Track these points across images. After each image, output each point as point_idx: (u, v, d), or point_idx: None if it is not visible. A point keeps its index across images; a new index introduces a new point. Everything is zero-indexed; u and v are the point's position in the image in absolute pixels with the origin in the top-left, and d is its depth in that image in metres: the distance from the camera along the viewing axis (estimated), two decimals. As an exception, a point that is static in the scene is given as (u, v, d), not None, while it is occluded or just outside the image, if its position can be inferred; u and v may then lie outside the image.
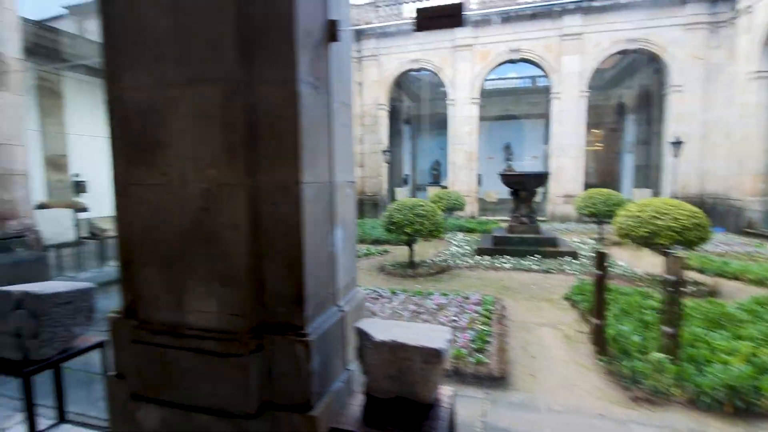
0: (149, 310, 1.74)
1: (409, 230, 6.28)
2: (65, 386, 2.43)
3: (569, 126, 13.90)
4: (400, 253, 7.93)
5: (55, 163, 10.58)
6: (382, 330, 1.63)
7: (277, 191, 1.60)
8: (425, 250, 8.11)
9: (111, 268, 6.85)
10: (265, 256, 1.64)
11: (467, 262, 7.25)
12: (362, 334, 1.62)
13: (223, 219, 1.59)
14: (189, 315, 1.67)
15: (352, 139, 2.13)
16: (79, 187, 10.34)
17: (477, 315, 4.41)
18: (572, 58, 13.73)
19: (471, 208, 14.64)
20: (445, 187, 15.68)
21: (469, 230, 11.06)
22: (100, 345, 2.28)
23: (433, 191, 14.56)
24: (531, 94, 21.09)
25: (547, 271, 6.59)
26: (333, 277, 1.88)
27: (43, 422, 2.39)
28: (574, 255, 7.24)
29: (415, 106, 21.68)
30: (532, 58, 14.41)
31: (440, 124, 22.49)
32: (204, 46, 1.55)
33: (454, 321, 4.24)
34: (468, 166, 14.94)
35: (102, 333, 2.10)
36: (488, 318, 4.35)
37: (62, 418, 2.46)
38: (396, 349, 1.50)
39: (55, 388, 2.38)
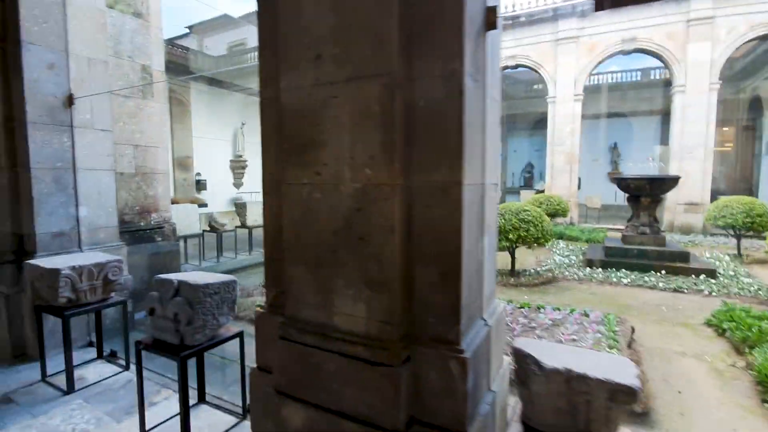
0: (296, 309, 1.75)
1: (512, 236, 5.89)
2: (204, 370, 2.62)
3: (695, 123, 12.08)
4: (499, 259, 7.52)
5: (182, 163, 12.00)
6: (548, 354, 1.43)
7: (433, 193, 1.49)
8: (525, 258, 7.59)
9: (226, 259, 7.53)
10: (416, 262, 1.54)
11: (575, 274, 6.60)
12: (525, 357, 1.43)
13: (377, 220, 1.52)
14: (336, 317, 1.64)
15: (499, 138, 1.95)
16: (200, 185, 11.62)
17: (601, 336, 3.93)
18: (701, 45, 11.93)
19: (571, 214, 13.49)
20: (540, 191, 14.67)
21: (572, 238, 10.15)
22: (239, 335, 2.40)
23: (526, 195, 13.70)
24: (641, 89, 18.86)
25: (677, 290, 5.70)
26: (480, 288, 1.73)
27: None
28: (711, 273, 6.18)
29: (505, 106, 20.70)
30: (649, 48, 12.83)
31: (534, 124, 21.18)
32: (365, 43, 1.49)
33: (574, 340, 3.82)
34: (568, 168, 13.79)
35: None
36: (615, 340, 3.85)
37: (202, 399, 2.66)
38: (573, 380, 1.29)
39: (198, 371, 2.57)
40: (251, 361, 2.19)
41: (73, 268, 2.73)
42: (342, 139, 1.57)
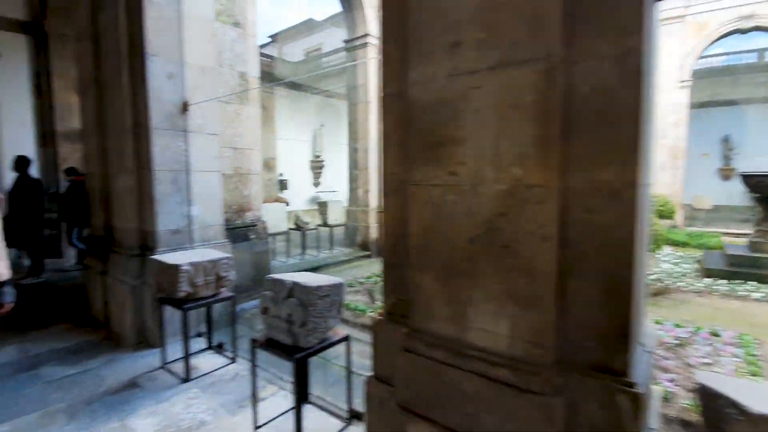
0: (423, 320, 1.62)
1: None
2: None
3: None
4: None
5: (267, 164, 12.71)
6: (747, 394, 1.14)
7: (598, 195, 1.27)
8: (625, 265, 6.84)
9: (310, 256, 7.77)
10: (572, 276, 1.32)
11: (692, 284, 5.78)
12: (717, 397, 1.15)
13: (527, 227, 1.33)
14: (471, 333, 1.48)
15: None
16: (282, 184, 12.23)
17: (738, 359, 3.34)
18: None
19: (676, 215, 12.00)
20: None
21: (678, 243, 8.99)
22: (345, 339, 2.35)
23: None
24: (758, 73, 16.21)
25: (831, 310, 4.73)
26: (639, 306, 1.46)
27: (289, 398, 2.61)
28: None
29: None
30: (775, 24, 10.96)
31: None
32: (519, 23, 1.31)
33: (707, 364, 3.28)
34: (672, 164, 12.27)
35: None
36: (757, 366, 3.25)
37: (304, 398, 2.66)
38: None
39: (303, 371, 2.57)
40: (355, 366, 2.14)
41: (191, 264, 2.90)
42: (484, 134, 1.40)
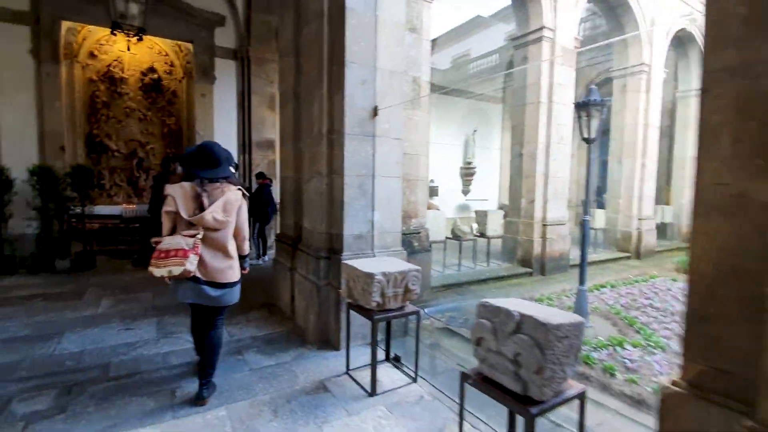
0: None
1: None
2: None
3: None
4: None
5: (417, 170, 12.81)
6: None
7: None
8: None
9: (466, 268, 7.37)
10: None
11: None
12: None
13: None
14: None
15: None
16: (432, 191, 12.15)
17: None
18: None
19: None
20: None
21: None
22: (582, 395, 1.84)
23: None
24: None
25: None
26: None
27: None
28: None
29: None
30: None
31: None
32: None
33: None
34: None
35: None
36: None
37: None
38: None
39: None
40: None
41: (384, 273, 2.77)
42: None
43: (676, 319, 4.82)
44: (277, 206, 7.82)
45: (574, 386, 1.85)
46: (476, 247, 7.72)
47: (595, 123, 4.27)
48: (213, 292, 2.56)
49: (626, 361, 3.62)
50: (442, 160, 13.11)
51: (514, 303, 1.97)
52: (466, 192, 13.42)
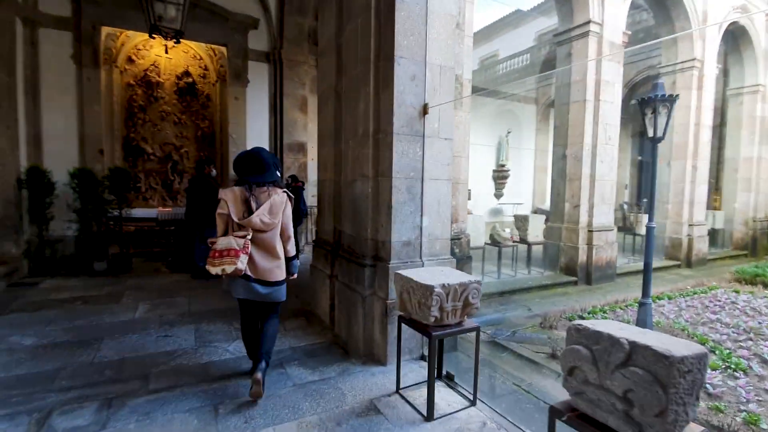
0: None
1: None
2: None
3: None
4: None
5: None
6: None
7: None
8: None
9: (506, 276, 7.02)
10: None
11: None
12: None
13: None
14: None
15: None
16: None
17: None
18: None
19: None
20: None
21: None
22: (706, 440, 1.52)
23: None
24: None
25: None
26: None
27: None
28: None
29: None
30: None
31: None
32: None
33: None
34: None
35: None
36: None
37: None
38: None
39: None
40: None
41: (443, 286, 2.51)
42: None
43: (751, 337, 4.35)
44: (308, 209, 7.68)
45: (695, 430, 1.54)
46: (516, 253, 7.35)
47: (662, 120, 3.89)
48: (262, 289, 2.72)
49: (708, 386, 3.22)
50: (473, 162, 12.74)
51: (614, 327, 1.68)
52: (498, 195, 12.99)
